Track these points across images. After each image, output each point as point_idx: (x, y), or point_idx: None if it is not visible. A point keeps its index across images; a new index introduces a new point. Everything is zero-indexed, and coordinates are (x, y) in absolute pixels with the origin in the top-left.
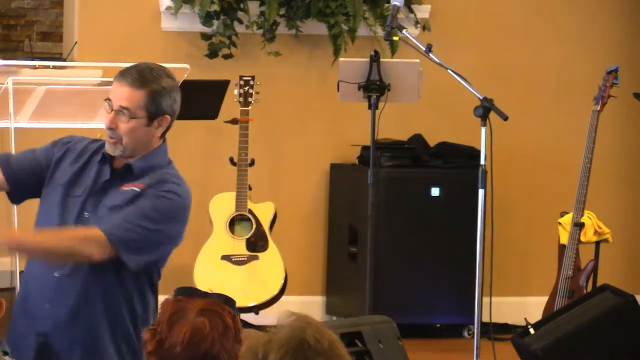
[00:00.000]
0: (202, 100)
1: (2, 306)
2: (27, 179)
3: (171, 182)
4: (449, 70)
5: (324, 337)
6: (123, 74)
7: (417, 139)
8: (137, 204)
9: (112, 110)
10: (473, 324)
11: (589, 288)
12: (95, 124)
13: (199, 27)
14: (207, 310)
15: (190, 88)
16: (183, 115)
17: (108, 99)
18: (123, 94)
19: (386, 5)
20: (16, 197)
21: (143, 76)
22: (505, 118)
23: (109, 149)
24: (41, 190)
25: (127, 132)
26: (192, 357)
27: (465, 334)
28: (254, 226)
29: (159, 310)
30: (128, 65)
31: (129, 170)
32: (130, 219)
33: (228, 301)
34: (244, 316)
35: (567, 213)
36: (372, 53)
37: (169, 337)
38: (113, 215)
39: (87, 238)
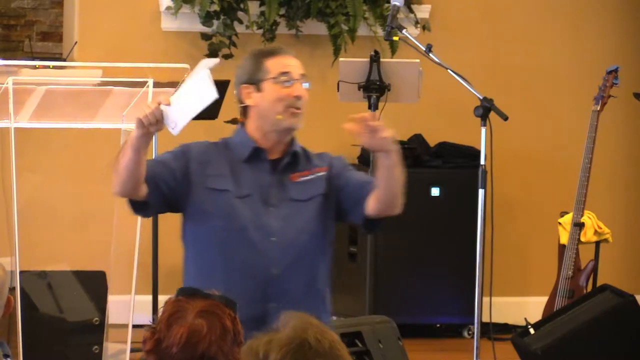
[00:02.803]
0: None
1: (10, 303)
2: (164, 192)
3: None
4: (449, 70)
5: (325, 338)
6: (280, 48)
7: (417, 139)
8: (353, 173)
9: (296, 80)
10: (473, 324)
11: (589, 288)
12: (95, 124)
13: (199, 27)
14: (206, 312)
15: None
16: None
17: (283, 73)
18: (299, 64)
19: (386, 5)
20: (151, 209)
21: None
22: (505, 118)
23: (296, 122)
24: (170, 204)
25: (306, 99)
26: (188, 359)
27: (465, 334)
28: None
29: (160, 310)
30: (128, 65)
31: (293, 156)
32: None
33: (229, 303)
34: None
35: (567, 213)
36: (372, 53)
37: (167, 337)
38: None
39: None
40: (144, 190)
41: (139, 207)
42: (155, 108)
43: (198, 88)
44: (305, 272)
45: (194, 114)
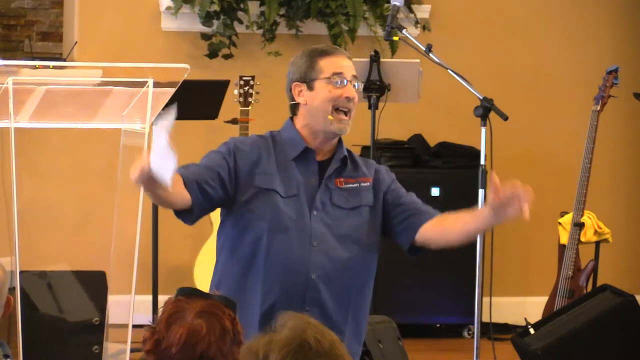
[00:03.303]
0: (202, 100)
1: (10, 303)
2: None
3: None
4: (449, 70)
5: (324, 338)
6: (335, 48)
7: (417, 139)
8: (402, 190)
9: (349, 82)
10: (473, 324)
11: (589, 288)
12: (95, 124)
13: (199, 27)
14: (206, 313)
15: (190, 88)
16: (183, 115)
17: (336, 74)
18: (350, 64)
19: (386, 5)
20: (194, 214)
21: None
22: (505, 118)
23: (343, 128)
24: (217, 205)
25: (357, 101)
26: (187, 359)
27: (465, 334)
28: None
29: (160, 310)
30: (128, 65)
31: (342, 162)
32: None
33: (229, 303)
34: None
35: (567, 213)
36: (372, 53)
37: (166, 337)
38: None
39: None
40: (185, 200)
41: (181, 213)
42: (142, 169)
43: (162, 152)
44: (343, 280)
45: (169, 174)
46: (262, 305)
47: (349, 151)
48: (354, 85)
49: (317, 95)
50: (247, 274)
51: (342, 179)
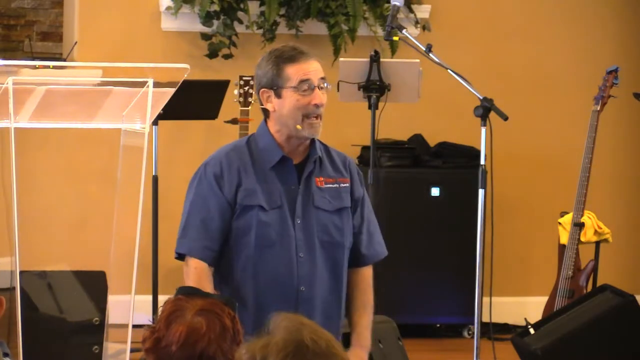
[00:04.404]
0: (202, 100)
1: (2, 304)
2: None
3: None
4: (449, 70)
5: (320, 338)
6: (302, 52)
7: (417, 139)
8: (367, 206)
9: (316, 86)
10: (473, 324)
11: (589, 288)
12: (95, 124)
13: (199, 27)
14: (206, 311)
15: (190, 88)
16: (183, 115)
17: (303, 81)
18: (319, 67)
19: (386, 5)
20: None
21: None
22: (505, 118)
23: (314, 132)
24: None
25: (325, 104)
26: (187, 357)
27: (465, 334)
28: None
29: (160, 309)
30: (128, 65)
31: (317, 161)
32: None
33: (229, 302)
34: None
35: (567, 213)
36: (372, 53)
37: (166, 335)
38: (368, 233)
39: (370, 283)
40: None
41: None
42: None
43: None
44: (330, 285)
45: None
46: (255, 322)
47: (324, 147)
48: (323, 87)
49: (285, 104)
50: (239, 292)
51: (322, 178)
